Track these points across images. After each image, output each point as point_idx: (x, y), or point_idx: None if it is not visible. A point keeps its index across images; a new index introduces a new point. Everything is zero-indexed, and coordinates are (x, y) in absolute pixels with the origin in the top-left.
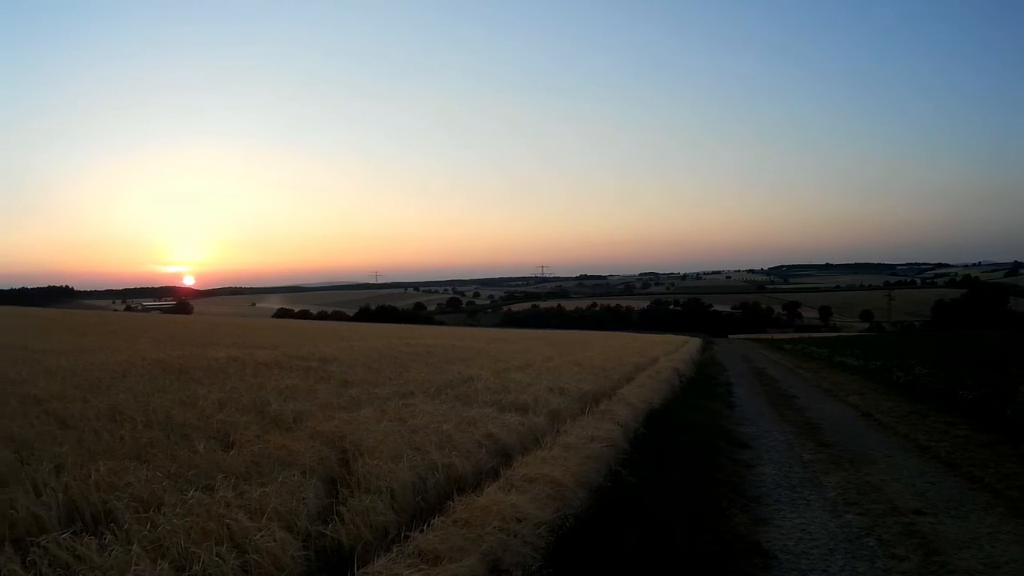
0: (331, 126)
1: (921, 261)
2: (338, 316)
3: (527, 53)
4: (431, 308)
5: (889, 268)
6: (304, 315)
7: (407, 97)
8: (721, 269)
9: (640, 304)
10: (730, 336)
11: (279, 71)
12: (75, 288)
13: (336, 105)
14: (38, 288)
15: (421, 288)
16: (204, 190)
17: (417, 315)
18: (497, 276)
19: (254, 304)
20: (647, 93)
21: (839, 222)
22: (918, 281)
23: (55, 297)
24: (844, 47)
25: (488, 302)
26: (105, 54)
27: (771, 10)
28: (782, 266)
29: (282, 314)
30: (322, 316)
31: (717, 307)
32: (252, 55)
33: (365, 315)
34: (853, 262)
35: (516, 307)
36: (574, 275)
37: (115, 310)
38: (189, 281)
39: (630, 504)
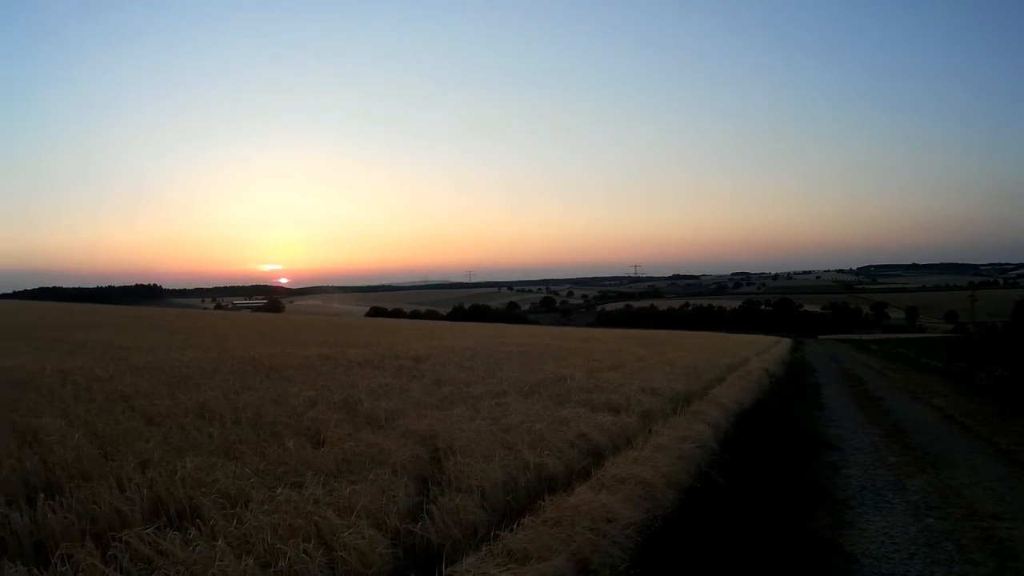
0: (427, 128)
1: (1004, 261)
2: (431, 315)
3: (618, 55)
4: (525, 308)
5: (973, 268)
6: (397, 314)
7: (503, 99)
8: (811, 269)
9: (732, 304)
10: (819, 337)
11: (373, 75)
12: (163, 287)
13: (432, 107)
14: (125, 286)
15: (515, 288)
16: (298, 190)
17: (511, 314)
18: (591, 276)
19: (341, 304)
20: (741, 96)
21: (926, 222)
22: (1000, 281)
23: (143, 295)
24: (939, 47)
25: (581, 301)
26: (210, 60)
27: (872, 6)
28: (870, 266)
29: (375, 313)
30: (415, 315)
31: (807, 307)
32: (346, 60)
33: (458, 314)
34: (938, 262)
35: (609, 307)
36: (667, 275)
37: (205, 308)
38: (281, 280)
39: (718, 505)
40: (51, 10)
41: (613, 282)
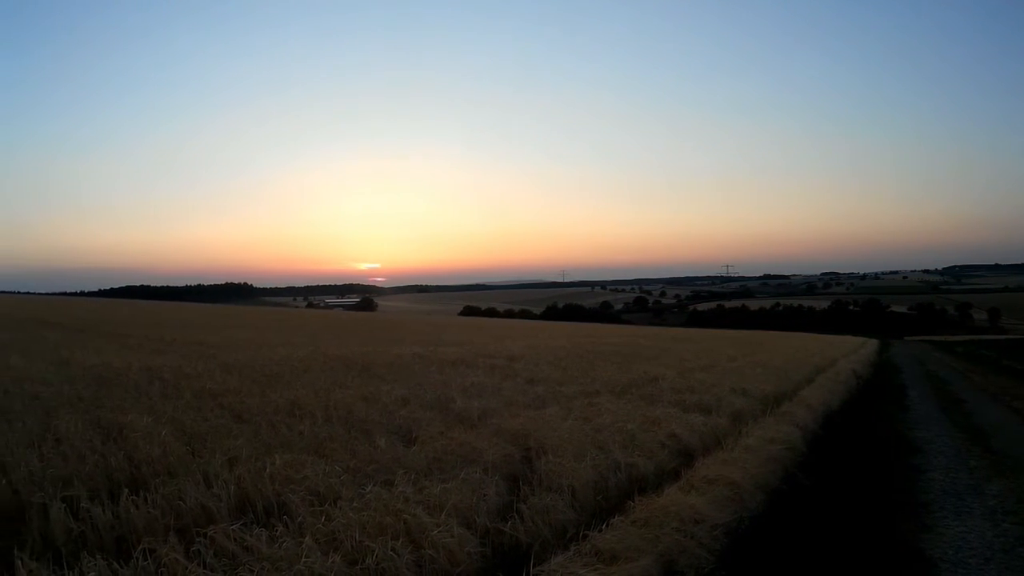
0: (522, 131)
1: None
2: (525, 315)
3: (708, 58)
4: (618, 307)
5: None
6: (491, 313)
7: (598, 102)
8: (898, 269)
9: (821, 304)
10: (905, 337)
11: (471, 83)
12: (254, 285)
13: (527, 110)
14: (215, 285)
15: (608, 287)
16: (396, 191)
17: (604, 314)
18: (683, 276)
19: (434, 303)
20: (834, 99)
21: (1011, 222)
22: None
23: (233, 294)
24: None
25: (674, 301)
26: (313, 64)
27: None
28: (955, 266)
29: (469, 312)
30: (509, 314)
31: (894, 308)
32: (446, 69)
33: (552, 313)
34: (1022, 262)
35: (701, 306)
36: (758, 274)
37: (296, 307)
38: (377, 279)
39: (804, 508)
40: (156, 10)
41: (705, 282)
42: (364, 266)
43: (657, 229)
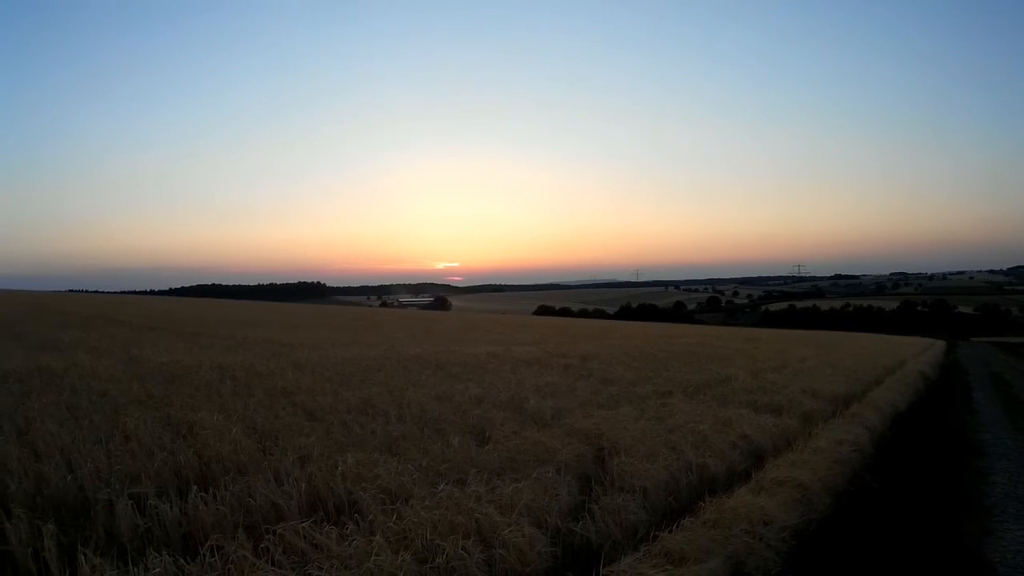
0: (596, 132)
1: None
2: (599, 314)
3: (783, 61)
4: (691, 307)
5: None
6: (565, 312)
7: (672, 105)
8: (964, 269)
9: (890, 305)
10: (971, 339)
11: (547, 84)
12: (327, 284)
13: (602, 112)
14: (287, 284)
15: (681, 287)
16: (466, 191)
17: (677, 313)
18: (755, 275)
19: (509, 303)
20: (900, 101)
21: None
22: None
23: (306, 293)
24: None
25: (746, 301)
26: (386, 63)
27: None
28: (1020, 266)
29: (543, 311)
30: (583, 314)
31: (960, 308)
32: (522, 69)
33: (626, 313)
34: None
35: (773, 306)
36: (828, 274)
37: (370, 306)
38: (454, 278)
39: (870, 510)
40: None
41: (777, 281)
42: (441, 265)
43: (730, 228)
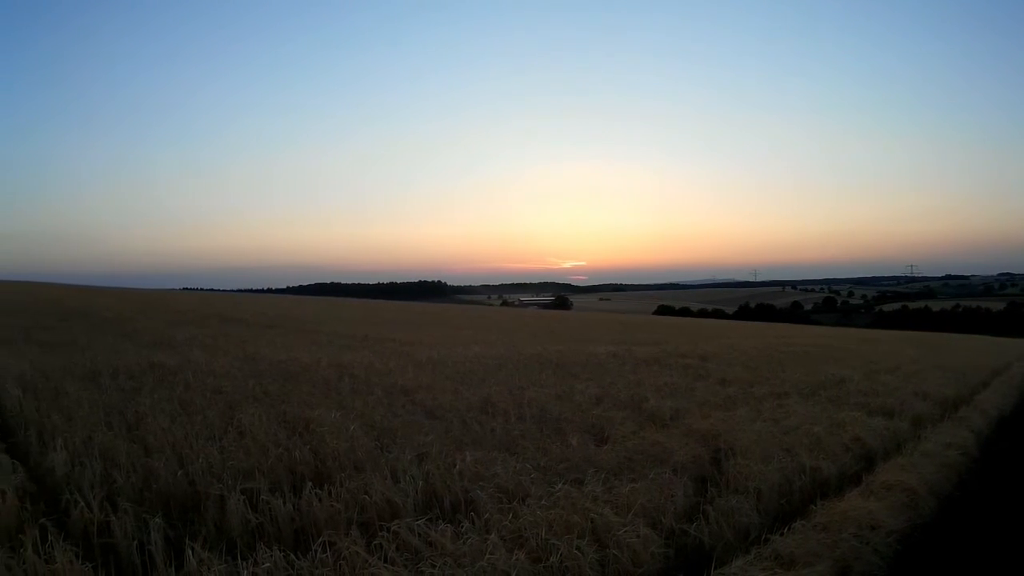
0: (715, 133)
1: None
2: (717, 314)
3: (905, 55)
4: (807, 307)
5: None
6: (684, 312)
7: (786, 102)
8: None
9: (996, 306)
10: None
11: (665, 80)
12: (447, 283)
13: (720, 112)
14: (408, 283)
15: (798, 287)
16: (591, 190)
17: (794, 314)
18: (869, 276)
19: (629, 302)
20: (1005, 97)
21: None
22: None
23: (427, 292)
24: None
25: (861, 302)
26: (506, 61)
27: None
28: None
29: (663, 311)
30: (702, 314)
31: None
32: (644, 68)
33: (743, 313)
34: None
35: (887, 307)
36: (940, 274)
37: (491, 305)
38: (578, 277)
39: (974, 515)
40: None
41: (890, 282)
42: (569, 264)
43: (845, 226)
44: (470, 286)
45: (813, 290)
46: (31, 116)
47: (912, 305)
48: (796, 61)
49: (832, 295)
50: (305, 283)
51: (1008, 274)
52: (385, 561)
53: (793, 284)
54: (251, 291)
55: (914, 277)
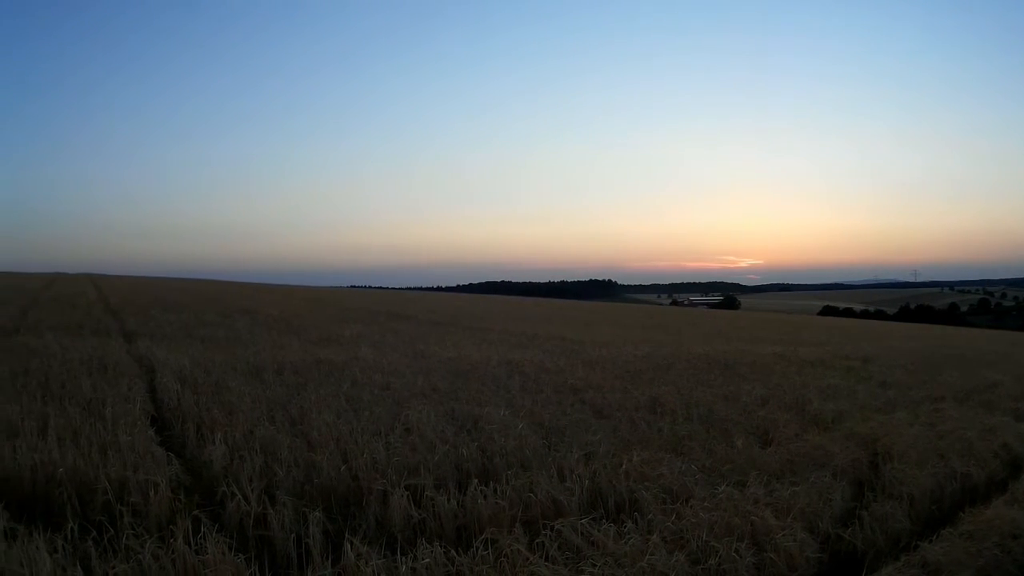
0: (880, 134)
1: None
2: (879, 315)
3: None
4: (963, 309)
5: None
6: (847, 313)
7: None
8: None
9: None
10: None
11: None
12: (618, 282)
13: (891, 108)
14: (578, 282)
15: (955, 287)
16: (765, 189)
17: (951, 316)
18: (1021, 276)
19: (795, 302)
20: None
21: None
22: None
23: (597, 291)
24: None
25: (1013, 303)
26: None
27: None
28: None
29: (827, 312)
30: (864, 315)
31: None
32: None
33: (904, 314)
34: None
35: None
36: None
37: (660, 304)
38: (751, 277)
39: None
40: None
41: None
42: (747, 263)
43: (998, 225)
44: (640, 285)
45: (969, 291)
46: (226, 118)
47: None
48: (961, 55)
49: (987, 296)
50: (475, 281)
51: None
52: (546, 559)
53: (951, 285)
54: (421, 289)
55: None
